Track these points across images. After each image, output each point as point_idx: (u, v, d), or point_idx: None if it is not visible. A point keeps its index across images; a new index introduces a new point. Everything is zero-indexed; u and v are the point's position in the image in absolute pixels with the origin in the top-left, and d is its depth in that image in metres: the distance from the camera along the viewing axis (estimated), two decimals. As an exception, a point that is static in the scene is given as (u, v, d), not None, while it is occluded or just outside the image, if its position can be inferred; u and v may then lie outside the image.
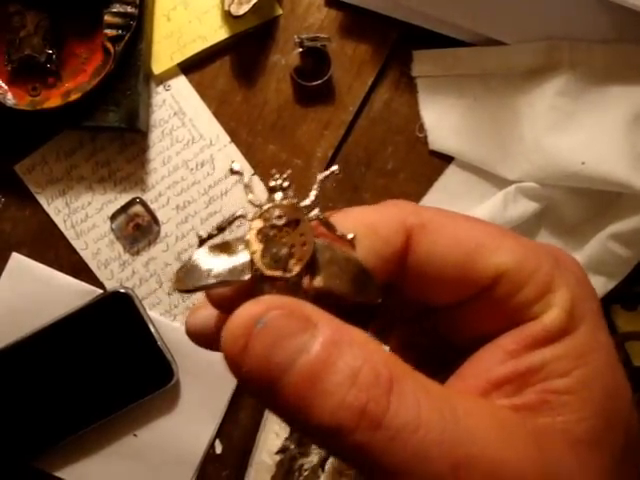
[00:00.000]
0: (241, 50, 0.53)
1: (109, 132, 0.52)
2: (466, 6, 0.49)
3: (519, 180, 0.50)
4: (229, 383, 0.53)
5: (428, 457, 0.18)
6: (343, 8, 0.53)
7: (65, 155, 0.53)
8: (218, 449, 0.54)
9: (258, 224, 0.21)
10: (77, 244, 0.53)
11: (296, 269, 0.21)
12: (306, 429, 0.19)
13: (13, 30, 0.48)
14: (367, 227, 0.22)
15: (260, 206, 0.21)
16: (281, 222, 0.21)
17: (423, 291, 0.24)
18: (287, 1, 0.53)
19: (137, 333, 0.52)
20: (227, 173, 0.53)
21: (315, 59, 0.52)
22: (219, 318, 0.23)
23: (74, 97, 0.48)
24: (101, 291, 0.53)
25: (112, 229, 0.53)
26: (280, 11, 0.53)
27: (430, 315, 0.25)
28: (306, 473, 0.49)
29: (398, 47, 0.53)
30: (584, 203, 0.51)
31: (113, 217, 0.53)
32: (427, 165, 0.54)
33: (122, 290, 0.51)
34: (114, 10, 0.48)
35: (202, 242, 0.22)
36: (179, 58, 0.52)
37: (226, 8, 0.50)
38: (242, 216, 0.22)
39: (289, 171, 0.22)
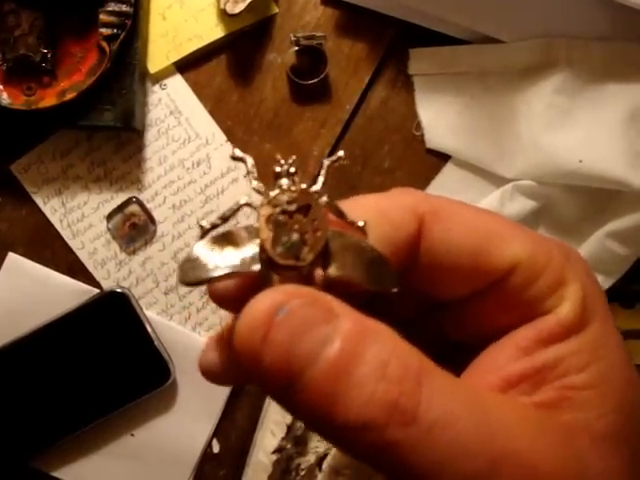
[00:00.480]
0: (237, 49, 0.53)
1: (105, 131, 0.52)
2: (463, 4, 0.49)
3: (516, 178, 0.50)
4: (226, 382, 0.52)
5: (465, 453, 0.17)
6: (339, 6, 0.52)
7: (61, 154, 0.53)
8: (215, 448, 0.54)
9: (267, 210, 0.19)
10: (73, 244, 0.53)
11: (309, 257, 0.19)
12: (329, 428, 0.17)
13: (8, 29, 0.48)
14: (378, 214, 0.21)
15: (266, 193, 0.20)
16: (292, 207, 0.19)
17: (434, 282, 0.23)
18: (283, -1, 0.53)
19: (134, 333, 0.51)
20: (224, 172, 0.53)
21: (311, 57, 0.52)
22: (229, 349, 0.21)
23: (69, 96, 0.48)
24: (97, 291, 0.52)
25: (108, 228, 0.53)
26: (276, 9, 0.53)
27: (434, 312, 0.25)
28: (303, 472, 0.48)
29: (395, 45, 0.53)
30: (582, 201, 0.51)
31: (109, 216, 0.53)
32: (424, 163, 0.54)
33: (119, 290, 0.51)
34: (109, 9, 0.48)
35: (205, 233, 0.20)
36: (175, 57, 0.52)
37: (222, 6, 0.50)
38: (248, 204, 0.21)
39: (294, 157, 0.21)
